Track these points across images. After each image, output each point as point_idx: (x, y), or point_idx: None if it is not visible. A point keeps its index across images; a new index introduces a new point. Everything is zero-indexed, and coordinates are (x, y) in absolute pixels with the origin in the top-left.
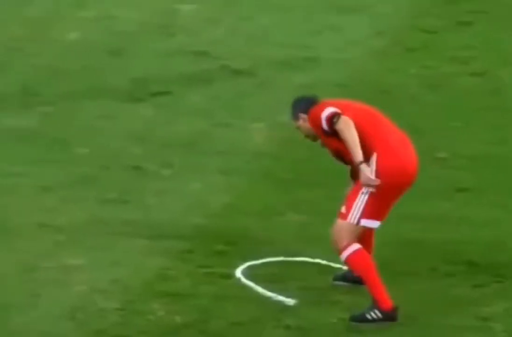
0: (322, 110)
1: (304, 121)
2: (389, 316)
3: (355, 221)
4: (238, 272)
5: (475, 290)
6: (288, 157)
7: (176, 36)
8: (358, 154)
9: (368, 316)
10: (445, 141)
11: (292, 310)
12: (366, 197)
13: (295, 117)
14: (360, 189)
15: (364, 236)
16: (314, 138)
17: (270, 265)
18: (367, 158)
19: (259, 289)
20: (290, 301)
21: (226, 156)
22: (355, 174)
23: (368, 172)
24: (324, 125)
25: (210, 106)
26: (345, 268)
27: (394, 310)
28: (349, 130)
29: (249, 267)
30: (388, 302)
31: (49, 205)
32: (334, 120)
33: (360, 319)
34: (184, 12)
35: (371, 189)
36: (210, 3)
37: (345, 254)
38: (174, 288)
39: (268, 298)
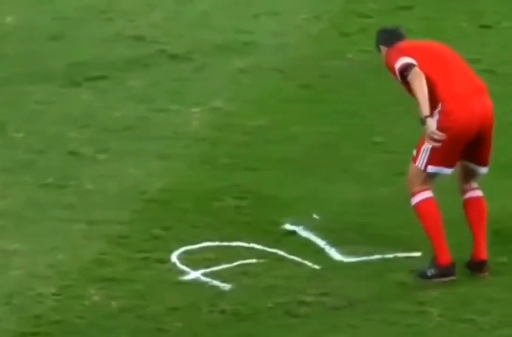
0: (397, 59)
1: (385, 54)
2: (445, 272)
3: (422, 167)
4: (174, 257)
5: (412, 274)
6: (226, 142)
7: (114, 20)
8: (425, 108)
9: (428, 273)
10: (385, 126)
11: (228, 295)
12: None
13: (377, 47)
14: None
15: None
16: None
17: (206, 249)
18: (433, 106)
19: (195, 274)
20: (226, 286)
21: (164, 141)
22: None
23: (433, 125)
24: (398, 76)
25: (148, 91)
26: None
27: (451, 265)
28: (420, 84)
29: (186, 252)
30: (446, 257)
31: None
32: (405, 73)
33: (422, 276)
34: None
35: (435, 144)
36: None
37: (414, 200)
38: (110, 273)
39: (204, 283)
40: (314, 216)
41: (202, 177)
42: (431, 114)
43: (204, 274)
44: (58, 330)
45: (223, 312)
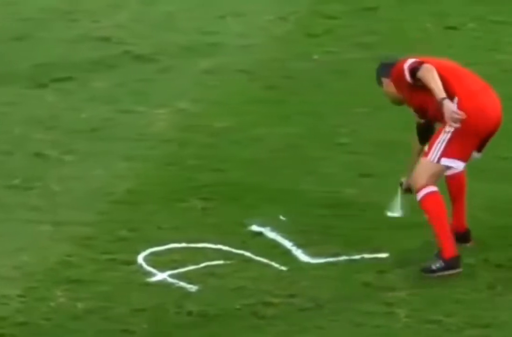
0: (404, 63)
1: (387, 86)
2: (451, 264)
3: (436, 159)
4: (141, 258)
5: (379, 276)
6: (192, 143)
7: (79, 21)
8: (440, 91)
9: (433, 267)
10: (350, 127)
11: (195, 296)
12: (449, 135)
13: (379, 82)
14: (443, 128)
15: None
16: (401, 101)
17: (173, 251)
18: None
19: (162, 275)
20: (193, 287)
21: (130, 142)
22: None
23: (452, 105)
24: (407, 75)
25: (114, 92)
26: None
27: (457, 258)
28: (432, 75)
29: (152, 253)
30: (451, 250)
31: None
32: (416, 70)
33: (428, 270)
34: None
35: (456, 125)
36: None
37: (420, 194)
38: (76, 274)
39: (171, 284)
40: (281, 217)
41: (168, 178)
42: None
43: (171, 276)
44: (23, 332)
45: (190, 313)
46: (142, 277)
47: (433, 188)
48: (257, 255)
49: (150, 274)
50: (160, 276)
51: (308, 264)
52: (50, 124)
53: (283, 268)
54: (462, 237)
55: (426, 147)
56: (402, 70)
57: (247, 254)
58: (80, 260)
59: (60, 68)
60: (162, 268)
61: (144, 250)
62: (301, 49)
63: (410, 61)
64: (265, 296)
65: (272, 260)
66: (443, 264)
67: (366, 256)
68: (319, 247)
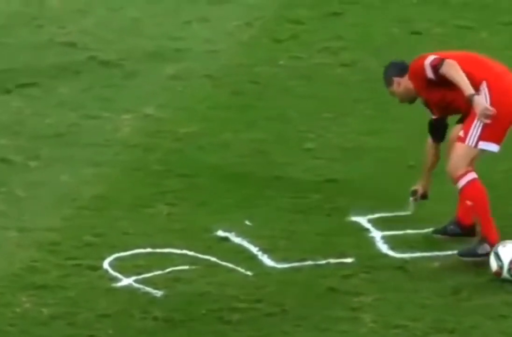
0: (424, 59)
1: (398, 84)
2: None
3: (474, 143)
4: (106, 264)
5: (344, 280)
6: (158, 149)
7: (45, 27)
8: (468, 87)
9: (479, 251)
10: (316, 132)
11: (160, 302)
12: None
13: (388, 83)
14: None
15: None
16: (412, 99)
17: (138, 256)
18: (476, 90)
19: (127, 281)
20: (158, 293)
21: (95, 148)
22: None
23: (483, 100)
24: (429, 72)
25: (79, 98)
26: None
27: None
28: (456, 69)
29: (117, 259)
30: (496, 235)
31: None
32: (438, 66)
33: (471, 254)
34: (52, 3)
35: (487, 121)
36: None
37: (460, 184)
38: (42, 280)
39: (136, 290)
40: (246, 222)
41: (134, 183)
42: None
43: (137, 281)
44: None
45: (155, 318)
46: (107, 282)
47: (473, 175)
48: (223, 260)
49: (116, 279)
50: (125, 281)
51: (273, 269)
52: (15, 130)
53: (249, 273)
54: (469, 231)
55: (461, 132)
56: (423, 67)
57: (213, 259)
58: (46, 266)
59: (26, 74)
60: (127, 273)
61: (109, 255)
62: (267, 55)
63: (431, 57)
64: (231, 301)
65: (238, 265)
66: (488, 249)
67: (332, 261)
68: (285, 252)
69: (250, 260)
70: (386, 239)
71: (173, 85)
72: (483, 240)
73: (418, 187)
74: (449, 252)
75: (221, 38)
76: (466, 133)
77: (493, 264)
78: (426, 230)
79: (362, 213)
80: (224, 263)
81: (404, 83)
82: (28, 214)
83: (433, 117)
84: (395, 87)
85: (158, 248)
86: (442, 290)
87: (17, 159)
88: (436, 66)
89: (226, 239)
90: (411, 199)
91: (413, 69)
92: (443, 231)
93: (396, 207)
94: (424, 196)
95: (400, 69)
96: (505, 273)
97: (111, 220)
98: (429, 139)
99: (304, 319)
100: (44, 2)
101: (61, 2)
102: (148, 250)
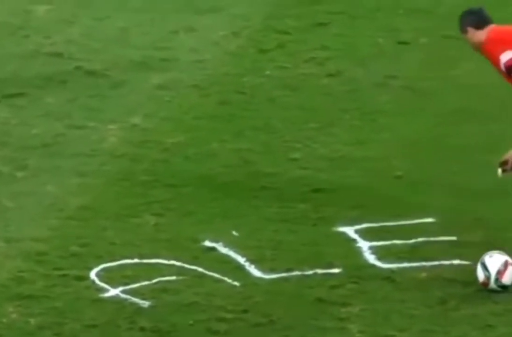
0: (502, 51)
1: (472, 35)
2: None
3: None
4: (93, 274)
5: (331, 291)
6: (144, 159)
7: (31, 37)
8: None
9: None
10: (302, 142)
11: (147, 312)
12: None
13: (463, 30)
14: None
15: None
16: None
17: (125, 267)
18: None
19: (114, 291)
20: (145, 303)
21: (82, 158)
22: None
23: None
24: (503, 67)
25: (66, 108)
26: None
27: None
28: None
29: (104, 269)
30: None
31: None
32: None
33: None
34: (38, 13)
35: None
36: (64, 4)
37: None
38: (28, 290)
39: (123, 300)
40: (233, 232)
41: (121, 193)
42: None
43: (123, 291)
44: None
45: (142, 329)
46: (94, 292)
47: None
48: (210, 271)
49: (103, 290)
50: (112, 291)
51: (261, 279)
52: (1, 140)
53: (236, 283)
54: None
55: None
56: (498, 59)
57: (200, 269)
58: (32, 276)
59: (12, 84)
60: (114, 284)
61: (96, 265)
62: (254, 65)
63: (507, 56)
64: (218, 311)
65: (225, 275)
66: None
67: (319, 271)
68: (272, 262)
69: (237, 270)
70: (373, 249)
71: (160, 95)
72: None
73: (509, 157)
74: (436, 263)
75: (208, 48)
76: None
77: (480, 275)
78: (413, 240)
79: (349, 223)
80: (211, 273)
81: (478, 38)
82: (14, 224)
83: None
84: (469, 36)
85: (145, 258)
86: (429, 300)
87: (3, 170)
88: (509, 68)
89: (213, 249)
90: (499, 171)
91: (489, 49)
92: None
93: (383, 217)
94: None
95: (478, 21)
96: (492, 283)
97: (98, 230)
98: None
99: (291, 330)
100: (30, 13)
101: (47, 12)
102: (135, 260)
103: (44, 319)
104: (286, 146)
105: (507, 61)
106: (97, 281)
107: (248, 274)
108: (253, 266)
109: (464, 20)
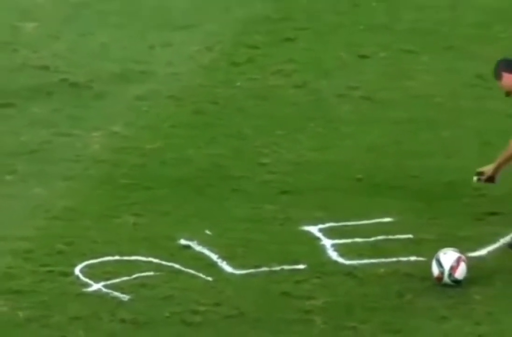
0: None
1: (506, 79)
2: None
3: None
4: (77, 270)
5: (297, 285)
6: (124, 164)
7: (19, 51)
8: None
9: None
10: (271, 148)
11: (127, 305)
12: None
13: (497, 76)
14: None
15: None
16: None
17: (106, 263)
18: None
19: (97, 286)
20: (125, 297)
21: (67, 163)
22: None
23: None
24: None
25: (52, 117)
26: None
27: None
28: None
29: (87, 266)
30: None
31: None
32: None
33: None
34: (26, 30)
35: None
36: (51, 21)
37: None
38: (17, 285)
39: (105, 294)
40: (207, 231)
41: (103, 196)
42: None
43: (105, 286)
44: None
45: (122, 321)
46: (78, 287)
47: None
48: (185, 267)
49: (86, 285)
50: (95, 286)
51: (232, 275)
52: None
53: (209, 278)
54: None
55: None
56: None
57: (176, 265)
58: (21, 272)
59: (1, 95)
60: (97, 279)
61: (80, 262)
62: (226, 77)
63: None
64: (193, 304)
65: (199, 271)
66: None
67: (285, 267)
68: (242, 259)
69: (210, 266)
70: (336, 247)
71: (139, 105)
72: None
73: (486, 169)
74: (394, 259)
75: (183, 61)
76: None
77: (435, 270)
78: (373, 238)
79: (314, 223)
80: (186, 270)
81: (508, 80)
82: (3, 224)
83: None
84: (504, 80)
85: (125, 255)
86: (388, 294)
87: None
88: None
89: (188, 247)
90: (475, 178)
91: None
92: None
93: (345, 217)
94: (490, 179)
95: (510, 66)
96: (445, 278)
97: (81, 230)
98: None
99: (260, 321)
100: (18, 29)
101: (35, 28)
102: (116, 257)
103: (32, 312)
104: (255, 152)
105: None
106: (81, 277)
107: (220, 270)
108: (225, 263)
109: (499, 67)
